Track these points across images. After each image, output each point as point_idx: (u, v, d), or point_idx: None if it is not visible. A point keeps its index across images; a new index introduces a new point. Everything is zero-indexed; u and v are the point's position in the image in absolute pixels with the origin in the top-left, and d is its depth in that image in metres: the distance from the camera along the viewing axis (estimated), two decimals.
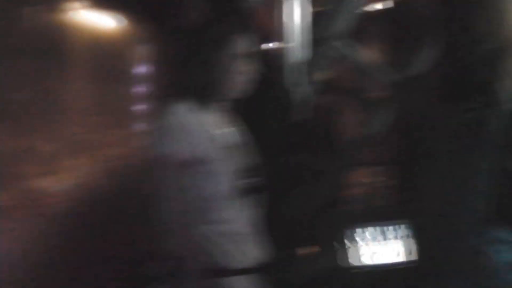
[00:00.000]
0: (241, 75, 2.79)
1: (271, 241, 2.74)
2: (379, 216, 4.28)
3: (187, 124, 2.56)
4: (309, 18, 4.41)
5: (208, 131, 2.65)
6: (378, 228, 4.05)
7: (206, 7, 3.56)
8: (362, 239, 4.05)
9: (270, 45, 4.39)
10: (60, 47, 5.27)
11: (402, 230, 4.07)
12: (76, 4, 5.37)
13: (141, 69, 5.65)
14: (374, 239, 4.04)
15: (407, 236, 4.05)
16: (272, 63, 4.18)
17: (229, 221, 2.60)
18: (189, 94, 2.63)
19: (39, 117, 5.19)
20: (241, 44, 2.92)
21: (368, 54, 4.60)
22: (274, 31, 4.30)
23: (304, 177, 4.16)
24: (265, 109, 3.70)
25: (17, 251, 4.72)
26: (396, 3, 5.10)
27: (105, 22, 5.60)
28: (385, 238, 4.06)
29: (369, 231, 4.03)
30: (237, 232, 2.62)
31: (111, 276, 4.71)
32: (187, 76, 2.65)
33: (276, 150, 3.79)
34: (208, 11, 3.45)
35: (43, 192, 5.24)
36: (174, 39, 3.89)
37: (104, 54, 5.53)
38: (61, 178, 5.39)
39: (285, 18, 4.33)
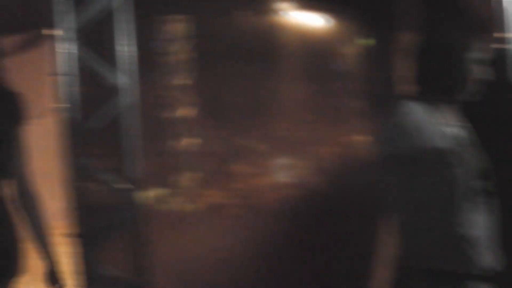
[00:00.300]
0: (476, 75, 2.67)
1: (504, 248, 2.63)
2: None
3: (422, 122, 2.46)
4: None
5: (443, 131, 2.54)
6: None
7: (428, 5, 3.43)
8: None
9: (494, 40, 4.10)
10: (271, 48, 5.36)
11: None
12: (287, 5, 5.44)
13: (354, 67, 5.60)
14: None
15: None
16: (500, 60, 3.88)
17: (467, 224, 2.47)
18: (422, 92, 2.55)
19: (253, 117, 5.30)
20: (477, 43, 2.82)
21: None
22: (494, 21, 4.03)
23: None
24: (492, 110, 3.46)
25: (232, 249, 4.89)
26: None
27: (317, 21, 5.63)
28: None
29: None
30: (474, 236, 2.48)
31: (328, 274, 4.71)
32: (423, 74, 2.56)
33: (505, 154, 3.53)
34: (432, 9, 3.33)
35: (258, 191, 5.35)
36: (394, 37, 3.81)
37: (318, 53, 5.56)
38: (275, 177, 5.47)
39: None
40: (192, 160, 5.53)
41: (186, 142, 5.50)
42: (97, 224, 3.59)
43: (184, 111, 5.52)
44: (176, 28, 5.53)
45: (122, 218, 3.58)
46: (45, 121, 8.63)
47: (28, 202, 2.66)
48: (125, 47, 3.48)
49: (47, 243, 2.66)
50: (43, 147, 8.55)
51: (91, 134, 3.46)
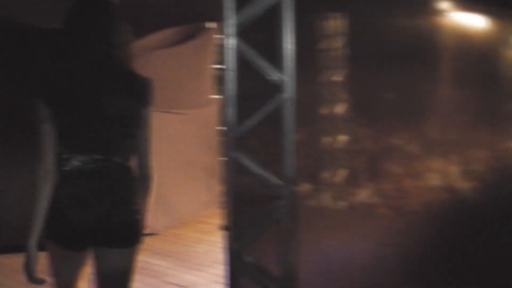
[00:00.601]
0: None
1: None
2: None
3: None
4: None
5: None
6: None
7: None
8: None
9: None
10: (429, 49, 5.26)
11: None
12: (447, 6, 5.31)
13: None
14: None
15: None
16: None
17: None
18: None
19: (406, 117, 5.24)
20: None
21: None
22: None
23: None
24: None
25: (377, 249, 4.84)
26: None
27: (477, 23, 5.45)
28: None
29: None
30: None
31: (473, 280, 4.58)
32: None
33: None
34: None
35: (407, 192, 5.28)
36: None
37: (476, 55, 5.38)
38: (425, 179, 5.38)
39: None
40: (342, 158, 5.54)
41: (337, 139, 5.51)
42: (249, 218, 3.65)
43: (337, 109, 5.52)
44: (333, 25, 5.53)
45: (275, 213, 3.61)
46: (202, 112, 8.94)
47: (142, 181, 2.90)
48: (286, 44, 3.51)
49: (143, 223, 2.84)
50: (195, 137, 8.88)
51: (248, 128, 3.52)
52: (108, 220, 2.64)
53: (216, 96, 10.06)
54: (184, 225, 7.24)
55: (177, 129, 8.35)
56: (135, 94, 2.74)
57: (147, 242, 6.99)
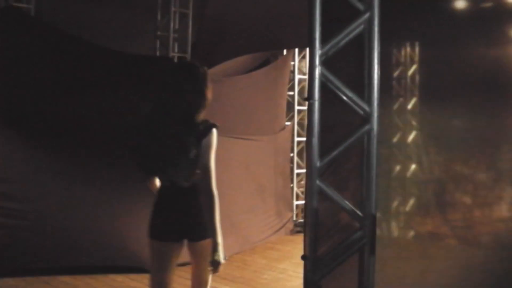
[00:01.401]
0: None
1: None
2: None
3: None
4: None
5: None
6: None
7: None
8: None
9: None
10: (504, 80, 5.20)
11: None
12: None
13: None
14: None
15: None
16: None
17: None
18: None
19: (477, 145, 5.17)
20: None
21: None
22: None
23: None
24: None
25: (445, 279, 4.77)
26: None
27: None
28: None
29: None
30: None
31: None
32: None
33: None
34: None
35: (477, 223, 5.19)
36: None
37: None
38: (496, 209, 5.28)
39: None
40: (412, 186, 5.49)
41: (407, 168, 5.46)
42: (328, 248, 3.64)
43: (408, 137, 5.49)
44: (407, 53, 5.51)
45: (355, 244, 3.59)
46: (274, 138, 8.98)
47: (207, 197, 3.87)
48: (373, 74, 3.51)
49: (215, 229, 3.97)
50: (268, 163, 8.91)
51: (331, 159, 3.52)
52: (185, 223, 3.85)
53: (289, 123, 10.14)
54: (253, 251, 7.25)
55: (250, 155, 8.38)
56: (201, 137, 3.79)
57: None
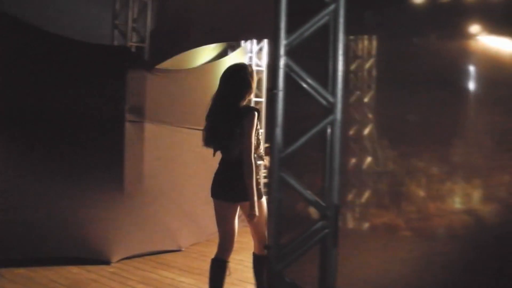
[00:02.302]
0: None
1: None
2: None
3: None
4: None
5: None
6: None
7: None
8: None
9: None
10: (457, 73, 5.26)
11: None
12: (478, 29, 5.31)
13: None
14: None
15: None
16: None
17: None
18: None
19: (430, 139, 5.23)
20: None
21: None
22: None
23: None
24: None
25: (399, 271, 4.83)
26: None
27: (505, 46, 5.44)
28: None
29: None
30: None
31: None
32: None
33: None
34: None
35: (429, 215, 5.26)
36: None
37: (506, 80, 5.38)
38: (448, 202, 5.35)
39: None
40: (368, 178, 5.54)
41: (362, 161, 5.51)
42: (291, 239, 3.64)
43: (363, 130, 5.54)
44: (364, 47, 5.56)
45: (318, 234, 3.61)
46: None
47: (245, 166, 4.67)
48: (337, 66, 3.52)
49: (252, 192, 4.63)
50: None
51: (295, 149, 3.52)
52: (232, 186, 4.82)
53: None
54: (211, 242, 7.21)
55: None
56: (241, 119, 4.71)
57: (172, 259, 7.06)
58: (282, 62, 3.49)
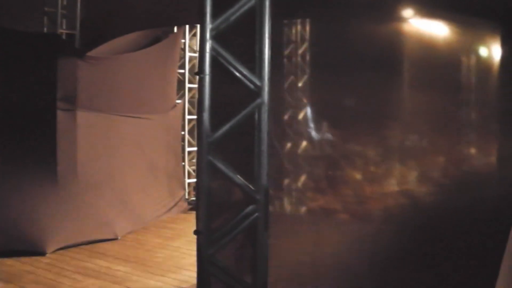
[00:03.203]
0: None
1: None
2: None
3: None
4: None
5: None
6: None
7: None
8: None
9: None
10: (391, 56, 5.31)
11: None
12: (409, 13, 5.37)
13: (477, 78, 5.46)
14: None
15: None
16: None
17: None
18: None
19: (367, 123, 5.27)
20: None
21: None
22: None
23: None
24: None
25: (337, 253, 4.88)
26: None
27: (440, 30, 5.52)
28: None
29: None
30: None
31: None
32: None
33: None
34: None
35: (366, 198, 5.32)
36: None
37: (439, 62, 5.45)
38: (385, 184, 5.41)
39: None
40: (304, 163, 5.56)
41: (298, 145, 5.53)
42: (221, 223, 3.63)
43: (299, 114, 5.55)
44: (297, 31, 5.56)
45: (249, 218, 3.61)
46: (166, 117, 8.90)
47: None
48: (264, 49, 3.51)
49: None
50: (159, 142, 8.84)
51: (223, 134, 3.51)
52: None
53: (179, 101, 10.03)
54: (147, 230, 7.20)
55: (141, 134, 8.31)
56: None
57: (108, 248, 7.00)
58: (208, 46, 3.47)
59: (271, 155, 5.14)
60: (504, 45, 4.77)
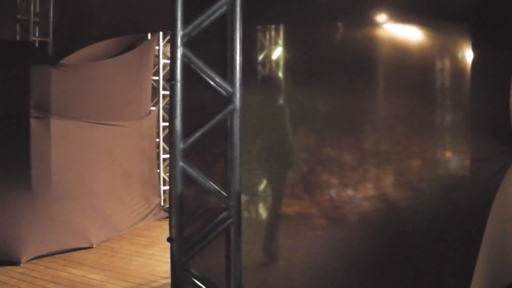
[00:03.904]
0: None
1: None
2: None
3: None
4: None
5: None
6: None
7: None
8: None
9: None
10: (365, 60, 5.33)
11: None
12: (384, 18, 5.39)
13: (451, 82, 5.50)
14: None
15: None
16: None
17: None
18: None
19: (341, 127, 5.29)
20: None
21: None
22: None
23: None
24: None
25: (313, 258, 4.88)
26: None
27: (414, 34, 5.55)
28: None
29: None
30: None
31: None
32: None
33: None
34: None
35: (344, 201, 5.33)
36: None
37: (413, 67, 5.49)
38: (360, 188, 5.43)
39: None
40: (279, 168, 5.55)
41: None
42: (195, 230, 3.63)
43: None
44: (270, 37, 5.56)
45: (222, 224, 3.60)
46: (140, 124, 8.87)
47: None
48: (235, 55, 3.51)
49: None
50: (133, 149, 8.81)
51: (195, 140, 3.50)
52: None
53: (154, 108, 9.97)
54: (121, 238, 7.15)
55: (115, 141, 8.26)
56: None
57: (83, 256, 6.94)
58: (179, 53, 3.46)
59: (246, 161, 5.15)
60: (474, 49, 4.81)
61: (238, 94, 3.56)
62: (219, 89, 3.55)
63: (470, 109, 5.03)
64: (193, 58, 3.51)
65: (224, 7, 3.61)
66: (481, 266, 3.70)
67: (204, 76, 3.53)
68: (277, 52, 5.54)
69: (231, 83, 3.56)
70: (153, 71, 9.67)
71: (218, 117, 3.55)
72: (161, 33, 9.37)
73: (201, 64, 3.52)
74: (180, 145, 3.47)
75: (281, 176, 5.53)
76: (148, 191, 9.04)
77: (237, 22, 3.56)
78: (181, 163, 3.49)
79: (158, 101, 9.84)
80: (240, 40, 3.56)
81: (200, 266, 3.76)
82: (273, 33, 5.60)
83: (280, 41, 5.55)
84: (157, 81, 9.80)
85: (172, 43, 3.48)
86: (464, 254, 4.04)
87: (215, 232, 3.62)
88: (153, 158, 9.59)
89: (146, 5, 6.41)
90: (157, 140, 9.78)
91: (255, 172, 5.44)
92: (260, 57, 5.53)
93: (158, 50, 9.64)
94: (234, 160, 3.57)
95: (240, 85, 3.56)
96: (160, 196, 9.67)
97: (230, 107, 3.56)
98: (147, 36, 9.12)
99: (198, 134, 3.51)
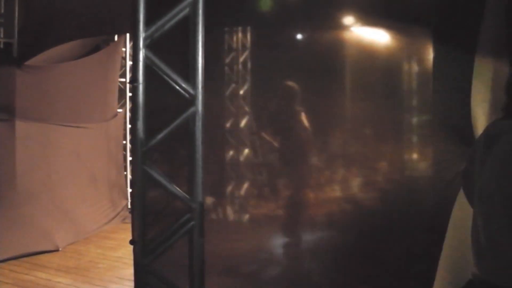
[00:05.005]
0: None
1: None
2: None
3: None
4: None
5: None
6: None
7: None
8: None
9: None
10: (332, 63, 5.36)
11: None
12: (351, 21, 5.43)
13: (419, 85, 5.55)
14: None
15: None
16: None
17: None
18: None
19: (311, 130, 5.31)
20: None
21: None
22: None
23: None
24: None
25: (280, 260, 4.91)
26: None
27: (381, 38, 5.59)
28: None
29: None
30: None
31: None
32: None
33: None
34: None
35: (311, 203, 5.35)
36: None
37: (380, 69, 5.52)
38: (327, 190, 5.45)
39: None
40: (246, 170, 5.57)
41: (240, 153, 5.53)
42: (157, 232, 3.62)
43: (240, 122, 5.56)
44: (237, 39, 5.57)
45: (184, 227, 3.60)
46: (106, 126, 8.83)
47: None
48: (197, 57, 3.51)
49: None
50: (99, 151, 8.77)
51: (158, 142, 3.49)
52: None
53: (121, 110, 9.93)
54: (88, 241, 7.11)
55: (81, 143, 8.23)
56: None
57: (49, 259, 6.88)
58: (141, 54, 3.45)
59: (213, 163, 5.15)
60: (436, 51, 4.85)
61: (200, 97, 3.56)
62: (181, 91, 3.54)
63: (434, 111, 5.08)
64: (156, 60, 3.50)
65: (187, 9, 3.60)
66: (444, 263, 3.74)
67: (166, 78, 3.52)
68: (245, 55, 5.55)
69: (193, 85, 3.56)
70: (120, 72, 9.63)
71: (180, 119, 3.55)
72: (127, 34, 9.34)
73: (163, 66, 3.51)
74: (142, 148, 3.46)
75: (248, 179, 5.55)
76: (115, 193, 9.01)
77: (200, 25, 3.56)
78: (143, 166, 3.48)
79: (125, 103, 9.80)
80: (202, 43, 3.55)
81: (163, 267, 3.75)
82: (240, 35, 5.61)
83: (248, 44, 5.56)
84: (124, 83, 9.76)
85: (134, 44, 3.47)
86: (428, 252, 4.08)
87: (177, 235, 3.61)
88: (120, 160, 9.57)
89: (112, 7, 6.38)
90: (124, 142, 9.75)
91: (222, 174, 5.45)
92: (228, 59, 5.54)
93: (125, 51, 9.61)
94: (196, 162, 3.56)
95: (202, 87, 3.56)
96: (127, 199, 9.63)
97: (192, 109, 3.55)
98: (113, 38, 9.09)
99: (159, 136, 3.51)
